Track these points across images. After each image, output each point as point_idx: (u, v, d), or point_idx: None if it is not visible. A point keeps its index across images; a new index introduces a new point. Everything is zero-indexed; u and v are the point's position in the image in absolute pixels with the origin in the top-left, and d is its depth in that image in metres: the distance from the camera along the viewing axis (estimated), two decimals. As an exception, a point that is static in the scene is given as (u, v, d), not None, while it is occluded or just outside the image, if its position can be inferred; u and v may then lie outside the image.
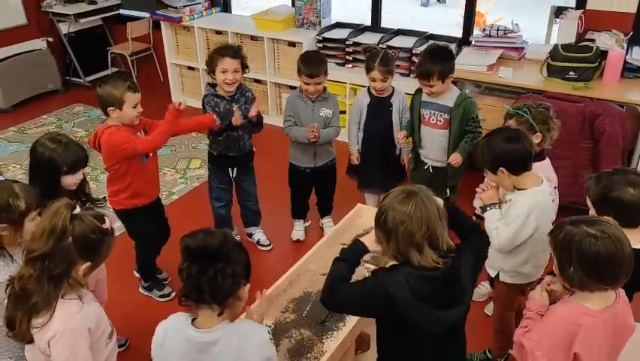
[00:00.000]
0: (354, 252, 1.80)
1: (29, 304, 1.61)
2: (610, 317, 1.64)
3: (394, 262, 1.71)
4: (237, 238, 3.50)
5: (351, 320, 2.33)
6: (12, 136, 5.16)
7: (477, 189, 2.42)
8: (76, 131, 5.21)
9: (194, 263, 1.46)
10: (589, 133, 3.50)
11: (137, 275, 3.31)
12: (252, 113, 3.18)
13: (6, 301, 1.69)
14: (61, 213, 1.62)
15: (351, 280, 1.76)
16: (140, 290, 3.24)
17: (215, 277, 1.44)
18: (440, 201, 1.69)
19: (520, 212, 2.22)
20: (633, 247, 1.80)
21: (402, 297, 1.60)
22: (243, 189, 3.48)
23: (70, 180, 2.26)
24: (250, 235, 3.68)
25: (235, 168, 3.35)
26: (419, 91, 3.16)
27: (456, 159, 3.05)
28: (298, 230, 3.72)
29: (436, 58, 2.97)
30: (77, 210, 1.66)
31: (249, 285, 1.56)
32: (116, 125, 2.70)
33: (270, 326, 2.28)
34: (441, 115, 3.10)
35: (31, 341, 1.68)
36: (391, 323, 1.70)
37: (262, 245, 3.63)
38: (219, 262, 1.45)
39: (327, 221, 3.74)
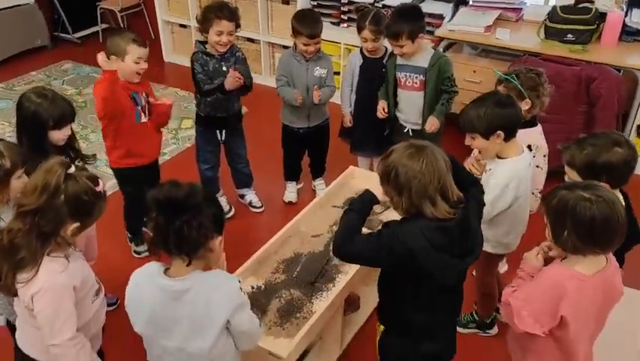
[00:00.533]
0: (364, 203, 1.80)
1: (16, 258, 1.62)
2: (600, 282, 1.65)
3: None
4: (223, 199, 3.50)
5: (341, 281, 2.35)
6: (0, 93, 5.07)
7: (466, 164, 2.39)
8: (66, 89, 5.11)
9: (160, 214, 1.46)
10: (585, 97, 3.47)
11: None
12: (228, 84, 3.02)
13: None
14: (55, 171, 1.61)
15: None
16: (132, 251, 3.26)
17: (182, 229, 1.43)
18: (441, 151, 1.69)
19: (499, 182, 2.20)
20: None
21: (420, 249, 1.61)
22: (232, 152, 3.45)
23: (57, 136, 2.23)
24: (242, 197, 3.67)
25: (224, 131, 3.31)
26: (393, 54, 3.11)
27: (433, 124, 3.03)
28: (290, 192, 3.71)
29: (404, 17, 2.91)
30: (72, 169, 1.65)
31: (220, 237, 1.56)
32: (115, 79, 2.65)
33: (260, 287, 2.30)
34: (416, 77, 3.06)
35: (16, 294, 1.68)
36: (404, 275, 1.71)
37: (254, 207, 3.62)
38: (185, 214, 1.44)
39: (319, 183, 3.73)
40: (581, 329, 1.69)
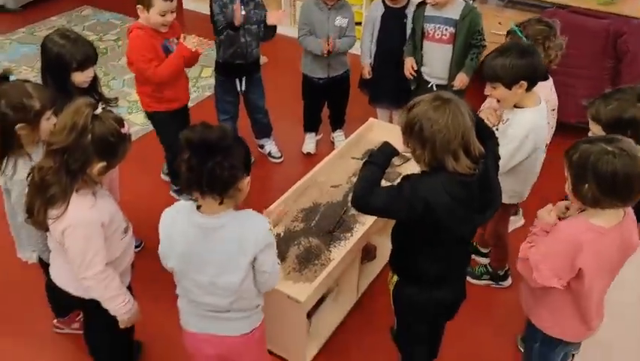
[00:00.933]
0: (383, 155, 1.80)
1: (47, 194, 1.69)
2: (617, 235, 1.67)
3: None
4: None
5: (359, 231, 2.40)
6: (22, 38, 5.08)
7: (481, 114, 2.38)
8: (87, 35, 5.10)
9: (194, 155, 1.49)
10: (612, 52, 3.39)
11: (166, 179, 3.39)
12: (271, 20, 3.09)
13: (26, 190, 1.77)
14: (83, 112, 1.65)
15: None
16: (171, 193, 3.31)
17: (214, 169, 1.48)
18: (466, 105, 1.67)
19: (519, 132, 2.19)
20: None
21: (441, 203, 1.63)
22: (251, 103, 3.45)
23: (80, 78, 2.26)
24: (261, 147, 3.69)
25: (243, 80, 3.29)
26: (421, 4, 3.04)
27: (462, 81, 2.98)
28: (309, 143, 3.73)
29: None
30: (99, 110, 1.70)
31: (248, 178, 1.61)
32: (143, 28, 2.69)
33: (279, 234, 2.36)
34: (446, 29, 2.99)
35: (47, 229, 1.75)
36: (419, 226, 1.73)
37: (273, 157, 3.66)
38: (218, 155, 1.48)
39: (338, 135, 3.74)
40: (596, 281, 1.72)
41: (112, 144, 1.71)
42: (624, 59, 3.35)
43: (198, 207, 1.62)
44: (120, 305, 1.86)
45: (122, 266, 1.90)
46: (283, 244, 2.32)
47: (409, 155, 1.77)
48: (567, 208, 1.81)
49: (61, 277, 1.92)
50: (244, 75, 3.27)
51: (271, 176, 3.56)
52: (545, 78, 2.49)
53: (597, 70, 3.46)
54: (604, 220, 1.65)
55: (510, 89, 2.15)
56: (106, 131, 1.68)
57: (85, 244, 1.72)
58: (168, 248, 1.67)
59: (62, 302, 2.40)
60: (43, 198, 1.70)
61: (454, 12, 2.96)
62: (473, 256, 2.87)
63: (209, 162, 1.48)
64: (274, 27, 3.17)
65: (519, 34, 2.41)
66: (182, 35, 2.81)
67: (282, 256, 2.26)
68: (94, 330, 2.14)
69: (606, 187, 1.57)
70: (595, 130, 1.92)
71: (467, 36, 2.96)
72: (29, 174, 1.75)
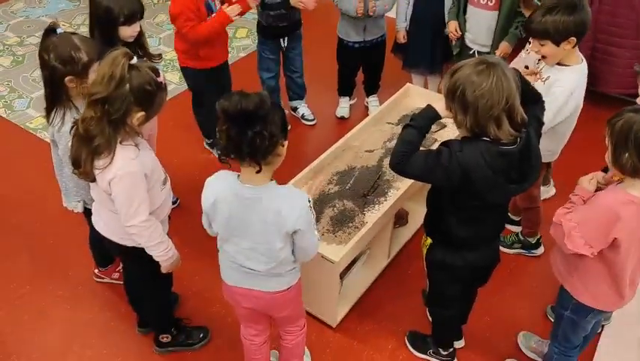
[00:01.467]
0: (425, 119, 1.75)
1: (92, 145, 1.72)
2: None
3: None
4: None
5: (393, 196, 2.41)
6: (59, -6, 5.13)
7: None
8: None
9: (233, 125, 1.49)
10: (660, 21, 3.27)
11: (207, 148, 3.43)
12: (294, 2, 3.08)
13: (70, 142, 1.80)
14: (119, 62, 1.67)
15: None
16: (205, 146, 3.38)
17: (254, 139, 1.48)
18: (511, 70, 1.65)
19: (565, 89, 2.17)
20: None
21: (479, 173, 1.63)
22: (290, 60, 3.44)
23: (126, 32, 2.30)
24: (294, 109, 3.70)
25: (286, 39, 3.30)
26: None
27: (504, 50, 2.92)
28: (343, 107, 3.72)
29: None
30: (135, 60, 1.71)
31: (286, 142, 1.62)
32: None
33: (314, 196, 2.39)
34: None
35: (94, 180, 1.80)
36: (457, 192, 1.74)
37: (306, 119, 3.66)
38: (257, 124, 1.48)
39: (372, 100, 3.72)
40: (631, 251, 1.71)
41: (149, 93, 1.72)
42: (673, 29, 3.24)
43: (239, 176, 1.65)
44: (163, 251, 1.93)
45: (162, 216, 1.96)
46: (318, 206, 2.35)
47: (445, 121, 1.75)
48: (607, 182, 1.79)
49: (106, 226, 1.99)
50: (286, 35, 3.28)
51: (304, 139, 3.57)
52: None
53: (643, 40, 3.35)
54: None
55: (559, 46, 2.12)
56: (143, 80, 1.70)
57: (131, 194, 1.78)
58: (213, 215, 1.70)
59: (104, 252, 2.50)
60: (89, 149, 1.73)
61: None
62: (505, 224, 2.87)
63: (248, 132, 1.48)
64: None
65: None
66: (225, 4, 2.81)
67: (316, 217, 2.29)
68: (134, 278, 2.23)
69: None
70: None
71: (514, 2, 2.87)
72: (73, 126, 1.80)
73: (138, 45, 2.38)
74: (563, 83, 2.18)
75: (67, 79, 1.90)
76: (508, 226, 2.87)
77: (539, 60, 2.30)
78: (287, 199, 1.63)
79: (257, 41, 3.37)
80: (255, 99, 1.49)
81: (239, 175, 1.65)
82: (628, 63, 3.41)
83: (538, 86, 2.21)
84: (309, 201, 1.66)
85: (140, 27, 2.37)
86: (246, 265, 1.75)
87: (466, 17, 3.04)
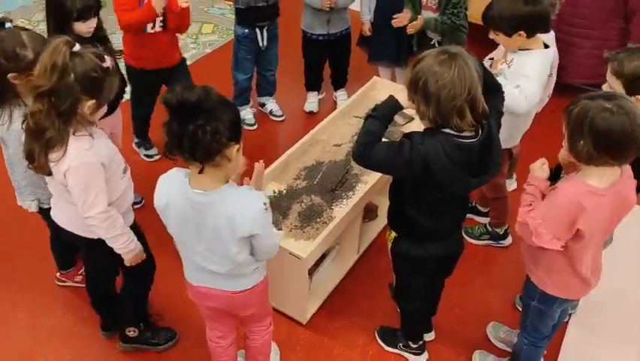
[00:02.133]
0: (386, 108, 1.74)
1: (44, 139, 1.68)
2: (614, 193, 1.66)
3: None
4: (250, 111, 3.50)
5: (361, 190, 2.40)
6: (19, -10, 4.97)
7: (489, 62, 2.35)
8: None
9: (174, 118, 1.43)
10: (621, 11, 3.32)
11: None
12: None
13: (23, 137, 1.75)
14: (60, 50, 1.61)
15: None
16: (133, 146, 3.28)
17: (195, 133, 1.40)
18: (474, 60, 1.63)
19: (537, 67, 2.17)
20: None
21: (440, 166, 1.62)
22: (266, 60, 3.38)
23: (81, 28, 2.22)
24: (263, 105, 3.66)
25: (265, 33, 3.21)
26: None
27: (408, 21, 2.96)
28: (311, 101, 3.69)
29: None
30: (77, 47, 1.65)
31: (238, 146, 1.51)
32: None
33: (282, 192, 2.35)
34: None
35: (50, 173, 1.76)
36: (418, 184, 1.73)
37: (275, 115, 3.61)
38: (199, 118, 1.40)
39: (340, 94, 3.70)
40: (592, 239, 1.73)
41: (96, 80, 1.66)
42: (633, 18, 3.29)
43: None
44: (124, 244, 1.89)
45: (123, 207, 1.91)
46: (285, 201, 2.32)
47: (412, 114, 1.74)
48: (566, 166, 1.80)
49: (66, 218, 1.94)
50: (266, 21, 3.19)
51: (273, 135, 3.53)
52: (547, 30, 2.44)
53: (605, 30, 3.40)
54: (600, 180, 1.64)
55: (510, 37, 2.14)
56: (87, 67, 1.63)
57: (87, 184, 1.73)
58: (166, 218, 1.65)
59: (66, 254, 2.45)
60: (41, 142, 1.68)
61: None
62: (473, 216, 2.89)
63: (190, 126, 1.41)
64: None
65: None
66: None
67: (284, 212, 2.27)
68: (97, 273, 2.17)
69: (601, 144, 1.55)
70: (614, 85, 1.87)
71: (446, 5, 2.91)
72: (23, 121, 1.75)
73: (98, 40, 2.30)
74: (532, 64, 2.19)
75: (10, 75, 1.84)
76: (476, 218, 2.88)
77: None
78: (239, 204, 1.56)
79: (234, 41, 3.30)
80: (199, 92, 1.42)
81: (189, 180, 1.58)
82: (590, 53, 3.47)
83: (504, 69, 2.23)
84: (265, 203, 1.58)
85: (100, 21, 2.29)
86: (206, 266, 1.70)
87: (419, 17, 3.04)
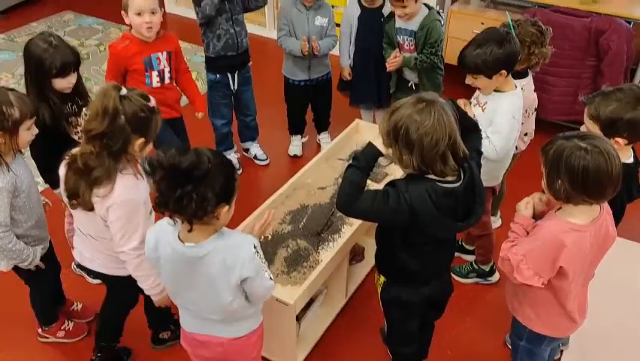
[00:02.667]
0: (367, 158, 1.72)
1: (91, 177, 1.76)
2: (595, 230, 1.69)
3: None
4: (235, 156, 3.51)
5: (347, 233, 2.39)
6: (2, 44, 5.00)
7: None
8: (68, 41, 4.99)
9: (164, 178, 1.44)
10: (593, 50, 3.42)
11: None
12: None
13: (64, 177, 1.84)
14: (110, 95, 1.71)
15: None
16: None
17: (181, 199, 1.42)
18: (450, 105, 1.66)
19: (505, 114, 2.22)
20: (625, 161, 1.82)
21: (427, 213, 1.62)
22: (242, 104, 3.42)
23: (61, 84, 2.23)
24: (246, 150, 3.67)
25: (236, 76, 3.26)
26: (391, 16, 3.03)
27: (397, 62, 2.99)
28: (295, 145, 3.72)
29: None
30: (124, 91, 1.75)
31: (227, 206, 1.51)
32: (130, 38, 2.67)
33: (267, 237, 2.34)
34: (411, 40, 3.00)
35: (92, 209, 1.82)
36: (407, 230, 1.73)
37: (259, 159, 3.63)
38: (187, 185, 1.42)
39: (324, 137, 3.73)
40: (576, 277, 1.74)
41: (144, 119, 1.77)
42: (606, 57, 3.39)
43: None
44: (153, 284, 1.94)
45: None
46: (271, 247, 2.30)
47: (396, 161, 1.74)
48: (540, 199, 1.82)
49: (93, 257, 2.01)
50: (236, 69, 3.24)
51: (258, 179, 3.54)
52: (524, 75, 2.51)
53: (579, 68, 3.50)
54: (581, 218, 1.67)
55: (491, 79, 2.19)
56: (136, 108, 1.74)
57: (127, 220, 1.81)
58: (158, 268, 1.66)
59: (47, 310, 2.41)
60: (88, 181, 1.77)
61: (416, 24, 2.96)
62: (459, 255, 2.89)
63: (177, 190, 1.42)
64: None
65: (512, 30, 2.43)
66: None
67: (270, 258, 2.25)
68: (117, 308, 2.25)
69: (577, 183, 1.58)
70: (592, 128, 1.90)
71: (423, 49, 2.97)
72: (69, 161, 1.81)
73: (77, 94, 2.32)
74: (500, 111, 2.24)
75: None
76: (463, 256, 2.88)
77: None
78: (230, 249, 1.56)
79: (207, 88, 3.33)
80: (192, 158, 1.42)
81: (178, 233, 1.58)
82: (565, 91, 3.56)
83: (479, 113, 2.27)
84: (255, 246, 1.58)
85: (79, 76, 2.30)
86: (201, 314, 1.69)
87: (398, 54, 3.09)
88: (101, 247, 1.95)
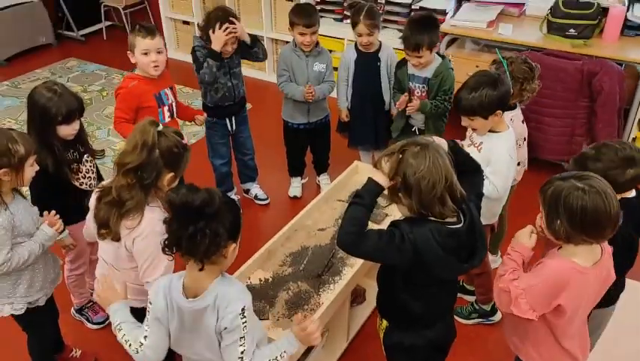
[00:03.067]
0: (369, 193, 1.69)
1: (124, 209, 1.83)
2: (597, 273, 1.69)
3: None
4: (236, 197, 3.54)
5: (348, 274, 2.38)
6: (6, 91, 5.10)
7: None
8: (71, 86, 5.13)
9: (176, 218, 1.47)
10: (587, 91, 3.50)
11: None
12: (243, 36, 3.08)
13: (94, 208, 1.91)
14: (149, 131, 1.80)
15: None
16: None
17: (195, 236, 1.45)
18: (446, 146, 1.69)
19: (502, 155, 2.30)
20: (627, 196, 1.84)
21: (431, 254, 1.62)
22: (240, 144, 3.48)
23: (65, 131, 2.27)
24: (247, 191, 3.70)
25: (234, 120, 3.32)
26: (403, 63, 3.11)
27: (405, 104, 3.03)
28: (295, 186, 3.75)
29: (423, 27, 2.88)
30: (160, 127, 1.85)
31: (234, 245, 1.55)
32: (137, 78, 2.74)
33: (268, 279, 2.34)
34: (424, 87, 3.08)
35: (119, 239, 1.88)
36: (411, 271, 1.72)
37: (260, 199, 3.66)
38: (200, 221, 1.45)
39: (323, 178, 3.77)
40: (575, 316, 1.74)
41: (177, 155, 1.86)
42: (599, 98, 3.46)
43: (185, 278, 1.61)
44: None
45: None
46: (272, 289, 2.29)
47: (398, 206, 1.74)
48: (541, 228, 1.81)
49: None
50: (233, 114, 3.31)
51: (258, 220, 3.55)
52: (512, 108, 2.57)
53: (573, 109, 3.56)
54: (584, 259, 1.68)
55: (487, 119, 2.27)
56: (170, 144, 1.83)
57: (152, 252, 1.84)
58: (165, 320, 1.65)
59: (47, 353, 2.39)
60: (119, 211, 1.84)
61: (430, 71, 3.03)
62: (460, 295, 2.87)
63: (190, 228, 1.45)
64: (256, 43, 3.19)
65: (505, 67, 2.51)
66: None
67: (270, 301, 2.24)
68: None
69: (576, 223, 1.59)
70: None
71: (436, 96, 3.04)
72: (101, 194, 1.88)
73: (80, 142, 2.36)
74: (496, 151, 2.31)
75: (1, 172, 1.88)
76: (464, 296, 2.87)
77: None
78: (225, 300, 1.57)
79: (205, 129, 3.38)
80: (204, 195, 1.47)
81: (183, 280, 1.60)
82: (561, 131, 3.62)
83: (474, 153, 2.29)
84: (244, 308, 1.57)
85: (81, 123, 2.34)
86: None
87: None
88: (121, 277, 1.98)
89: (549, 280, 1.68)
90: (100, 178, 2.50)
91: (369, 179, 1.73)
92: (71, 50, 5.90)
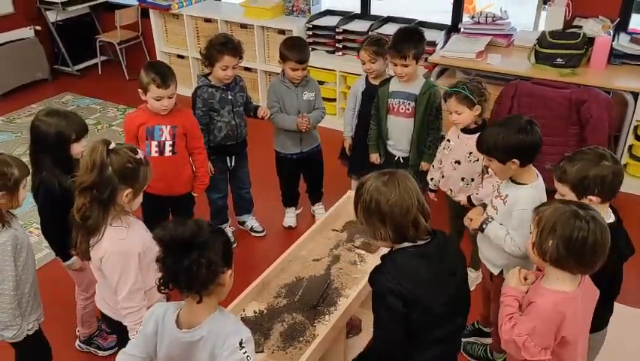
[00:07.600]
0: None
1: (87, 226, 1.88)
2: (582, 292, 1.70)
3: (384, 251, 1.74)
4: (230, 230, 3.53)
5: (343, 305, 2.37)
6: (1, 126, 5.12)
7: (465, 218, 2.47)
8: (66, 121, 5.18)
9: (168, 254, 1.45)
10: (576, 119, 3.54)
11: None
12: (262, 113, 3.32)
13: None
14: (97, 149, 1.84)
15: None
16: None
17: (191, 268, 1.43)
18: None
19: (526, 211, 2.10)
20: (608, 221, 1.85)
21: (411, 292, 1.65)
22: (237, 178, 3.49)
23: (77, 149, 2.32)
24: (242, 223, 3.70)
25: (233, 158, 3.37)
26: (385, 82, 3.19)
27: (427, 166, 3.13)
28: (290, 217, 3.75)
29: (411, 36, 3.00)
30: (112, 145, 1.88)
31: (229, 271, 1.54)
32: (142, 109, 2.82)
33: (262, 312, 2.32)
34: (409, 103, 3.12)
35: (90, 258, 1.93)
36: (411, 318, 1.71)
37: (255, 231, 3.66)
38: (193, 252, 1.43)
39: (318, 208, 3.77)
40: (578, 340, 1.74)
41: (131, 170, 1.88)
42: (588, 125, 3.50)
43: (179, 310, 1.60)
44: (132, 334, 1.92)
45: (155, 297, 1.95)
46: (267, 321, 2.27)
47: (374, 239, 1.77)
48: (525, 277, 1.83)
49: (102, 303, 2.11)
50: (235, 153, 3.36)
51: (253, 252, 3.53)
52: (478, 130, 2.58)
53: (563, 137, 3.60)
54: (570, 284, 1.69)
55: (504, 165, 2.16)
56: (122, 160, 1.85)
57: (121, 273, 1.88)
58: (155, 349, 1.64)
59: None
60: (83, 231, 1.89)
61: (415, 88, 3.10)
62: (476, 338, 2.82)
63: (184, 261, 1.43)
64: (255, 110, 3.37)
65: (465, 91, 2.57)
66: None
67: (265, 333, 2.22)
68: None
69: (573, 249, 1.60)
70: (563, 191, 1.94)
71: (425, 111, 3.09)
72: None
73: (78, 166, 2.39)
74: (520, 205, 2.17)
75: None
76: (480, 339, 2.82)
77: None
78: (221, 336, 1.55)
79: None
80: (192, 227, 1.47)
81: (179, 311, 1.59)
82: (555, 159, 3.58)
83: (500, 205, 2.27)
84: (242, 341, 1.55)
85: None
86: None
87: (387, 127, 3.23)
88: (104, 291, 2.05)
89: (546, 318, 1.68)
90: None
91: None
92: (67, 85, 5.95)
